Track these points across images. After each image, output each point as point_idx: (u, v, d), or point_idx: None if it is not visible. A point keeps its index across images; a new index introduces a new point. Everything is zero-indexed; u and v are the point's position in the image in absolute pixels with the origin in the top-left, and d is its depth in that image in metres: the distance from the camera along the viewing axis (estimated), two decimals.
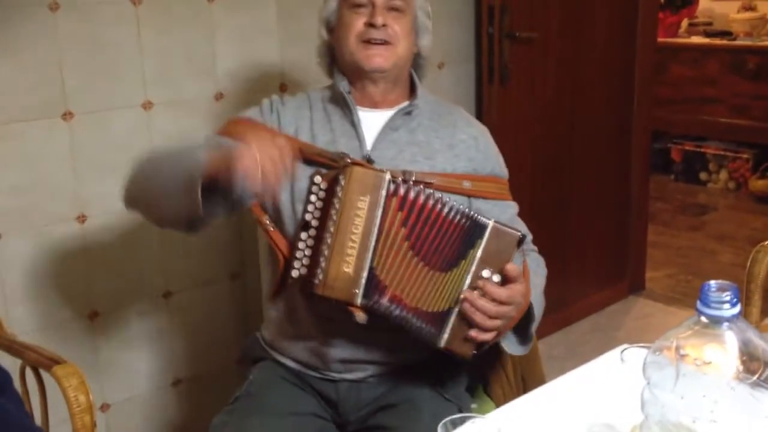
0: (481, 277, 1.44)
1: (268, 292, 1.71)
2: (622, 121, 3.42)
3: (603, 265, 3.51)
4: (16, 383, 1.65)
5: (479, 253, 1.45)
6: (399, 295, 1.47)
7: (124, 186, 1.59)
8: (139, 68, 2.13)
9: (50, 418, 1.68)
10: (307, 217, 1.51)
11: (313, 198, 1.51)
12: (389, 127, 1.64)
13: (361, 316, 1.47)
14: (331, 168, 1.54)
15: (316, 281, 1.46)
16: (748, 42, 5.03)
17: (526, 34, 2.86)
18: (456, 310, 1.45)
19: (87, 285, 2.14)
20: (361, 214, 1.45)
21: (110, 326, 2.20)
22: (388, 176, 1.47)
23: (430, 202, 1.47)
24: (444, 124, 1.69)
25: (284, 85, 2.39)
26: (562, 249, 3.26)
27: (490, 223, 1.46)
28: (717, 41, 5.17)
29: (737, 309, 0.86)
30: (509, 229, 1.47)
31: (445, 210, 1.47)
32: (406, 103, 1.68)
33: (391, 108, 1.67)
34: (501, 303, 1.43)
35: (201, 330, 2.33)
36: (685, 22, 5.50)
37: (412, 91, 1.71)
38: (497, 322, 1.44)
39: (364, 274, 1.46)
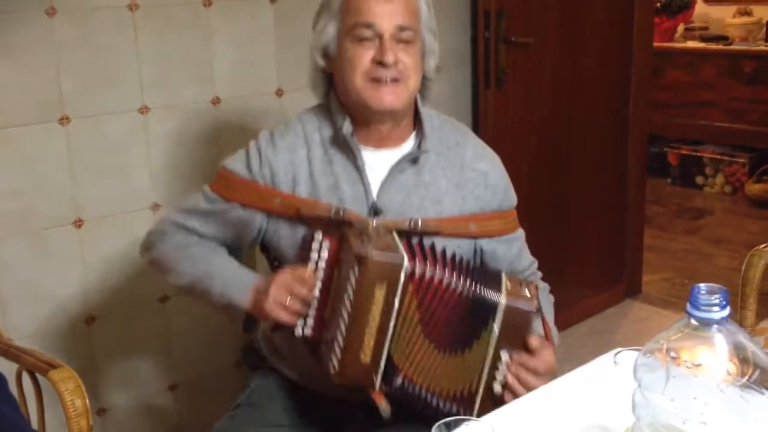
0: (500, 358, 1.43)
1: (265, 326, 1.65)
2: (618, 125, 3.43)
3: (600, 268, 3.51)
4: (13, 387, 1.65)
5: (495, 332, 1.42)
6: (419, 377, 1.44)
7: (151, 262, 1.66)
8: (136, 73, 2.13)
9: (47, 423, 1.68)
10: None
11: (314, 256, 1.46)
12: (396, 170, 1.56)
13: (385, 409, 1.43)
14: (333, 222, 1.49)
15: (332, 370, 1.41)
16: (744, 47, 5.04)
17: (523, 39, 2.87)
18: (481, 389, 1.44)
19: (84, 289, 2.14)
20: (378, 303, 1.38)
21: (107, 330, 2.20)
22: (405, 264, 1.39)
23: (444, 281, 1.41)
24: (452, 161, 1.60)
25: (281, 90, 2.40)
26: (559, 252, 3.27)
27: (502, 302, 1.41)
28: (713, 46, 5.19)
29: (726, 312, 0.87)
30: (521, 306, 1.42)
31: (461, 291, 1.42)
32: (411, 142, 1.60)
33: (397, 146, 1.58)
34: (538, 373, 1.44)
35: (198, 334, 2.34)
36: (681, 27, 5.51)
37: (415, 116, 1.62)
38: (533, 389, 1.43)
39: (383, 362, 1.41)
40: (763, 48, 4.98)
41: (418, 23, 1.54)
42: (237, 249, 1.65)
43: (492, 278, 1.48)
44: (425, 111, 1.62)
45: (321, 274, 1.45)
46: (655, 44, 4.13)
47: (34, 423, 1.69)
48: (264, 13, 2.34)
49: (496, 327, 1.42)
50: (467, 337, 1.43)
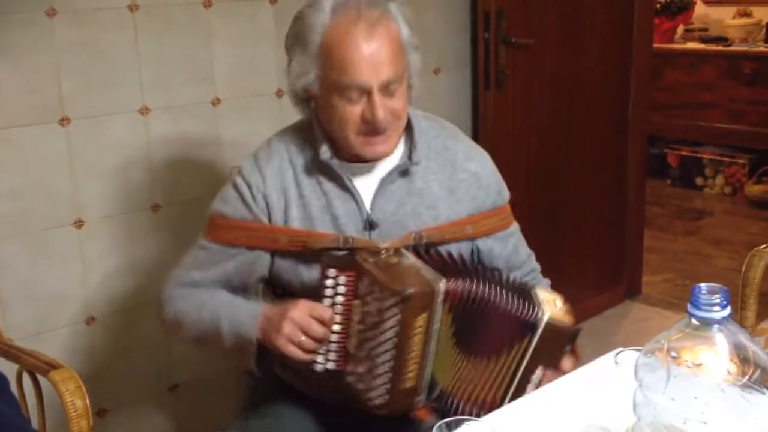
0: (533, 372, 1.42)
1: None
2: (618, 126, 3.43)
3: (599, 269, 3.51)
4: (13, 388, 1.65)
5: (532, 347, 1.41)
6: (453, 388, 1.44)
7: (166, 324, 1.63)
8: (136, 73, 2.13)
9: (47, 423, 1.69)
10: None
11: (329, 292, 1.44)
12: (387, 181, 1.54)
13: (430, 423, 1.40)
14: (340, 253, 1.47)
15: (378, 402, 1.40)
16: (743, 48, 5.04)
17: (522, 40, 2.87)
18: (508, 398, 1.42)
19: (84, 290, 2.14)
20: (420, 332, 1.38)
21: (107, 331, 2.20)
22: (442, 287, 1.39)
23: (475, 293, 1.42)
24: (442, 164, 1.58)
25: (281, 91, 2.40)
26: (559, 253, 3.27)
27: (544, 318, 1.41)
28: (713, 47, 5.19)
29: (727, 311, 0.87)
30: (562, 323, 1.43)
31: (495, 300, 1.42)
32: (401, 152, 1.56)
33: (386, 157, 1.55)
34: None
35: None
36: (680, 28, 5.51)
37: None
38: None
39: (425, 383, 1.42)
40: (762, 49, 4.99)
41: (403, 56, 1.47)
42: (245, 290, 1.60)
43: (523, 288, 1.48)
44: (414, 116, 1.58)
45: (339, 309, 1.43)
46: (655, 45, 4.14)
47: (35, 423, 1.69)
48: (264, 13, 2.34)
49: (533, 342, 1.41)
50: (503, 348, 1.42)
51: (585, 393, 1.31)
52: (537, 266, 1.74)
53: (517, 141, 3.01)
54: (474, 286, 1.42)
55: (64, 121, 2.04)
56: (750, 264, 2.18)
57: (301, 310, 1.41)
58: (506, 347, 1.42)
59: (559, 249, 3.27)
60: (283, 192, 1.54)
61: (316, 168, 1.54)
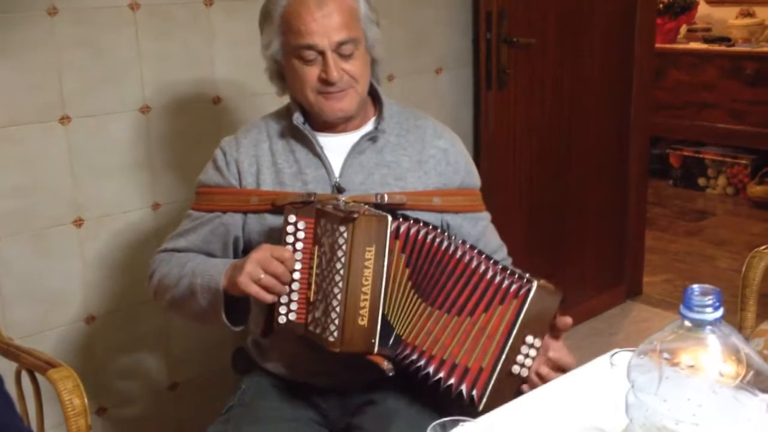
0: (525, 343, 1.44)
1: (256, 326, 1.67)
2: (620, 126, 3.43)
3: (601, 269, 3.51)
4: (12, 386, 1.67)
5: (523, 314, 1.43)
6: (415, 340, 1.45)
7: (152, 290, 1.68)
8: (137, 72, 2.14)
9: (45, 422, 1.69)
10: None
11: (290, 239, 1.48)
12: (356, 150, 1.62)
13: (387, 367, 1.44)
14: (303, 205, 1.51)
15: (332, 339, 1.42)
16: (746, 48, 5.04)
17: (524, 40, 2.87)
18: (498, 370, 1.43)
19: (84, 288, 2.15)
20: (369, 265, 1.42)
21: (107, 330, 2.20)
22: (390, 219, 1.43)
23: (430, 237, 1.46)
24: (412, 140, 1.66)
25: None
26: (560, 253, 3.27)
27: (535, 283, 1.44)
28: (715, 47, 5.18)
29: (720, 313, 0.87)
30: (553, 289, 1.46)
31: (452, 249, 1.46)
32: (371, 126, 1.66)
33: (357, 129, 1.65)
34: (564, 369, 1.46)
35: (198, 333, 2.34)
36: (683, 28, 5.51)
37: (374, 101, 1.68)
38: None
39: (378, 324, 1.43)
40: (765, 49, 4.97)
41: (358, 24, 1.57)
42: (225, 254, 1.67)
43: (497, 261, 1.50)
44: (385, 97, 1.67)
45: (299, 255, 1.47)
46: (658, 45, 4.14)
47: (33, 422, 1.70)
48: None
49: (524, 310, 1.43)
50: (471, 305, 1.45)
51: (581, 394, 1.31)
52: (508, 258, 1.75)
53: (519, 141, 3.01)
54: (429, 232, 1.46)
55: (64, 119, 2.04)
56: (750, 265, 2.18)
57: (262, 251, 1.46)
58: (482, 308, 1.45)
59: (560, 248, 3.27)
60: (255, 159, 1.64)
61: (290, 135, 1.64)
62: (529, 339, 1.44)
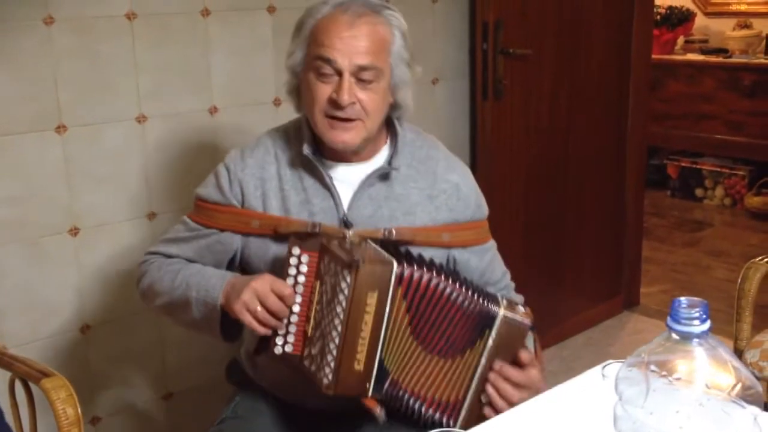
0: (493, 369, 1.44)
1: (248, 346, 1.67)
2: (617, 137, 3.43)
3: (598, 280, 3.51)
4: (6, 396, 1.66)
5: (490, 343, 1.43)
6: (406, 382, 1.45)
7: (142, 294, 1.66)
8: (133, 81, 2.14)
9: (39, 431, 1.69)
10: None
11: (292, 271, 1.45)
12: (366, 184, 1.57)
13: (380, 414, 1.43)
14: (308, 236, 1.49)
15: (326, 381, 1.40)
16: (743, 59, 5.05)
17: (521, 51, 2.87)
18: (468, 398, 1.44)
19: (79, 297, 2.15)
20: (370, 311, 1.38)
21: (102, 339, 2.20)
22: (395, 267, 1.39)
23: (433, 283, 1.42)
24: (423, 173, 1.61)
25: (278, 100, 2.41)
26: (557, 264, 3.27)
27: (500, 313, 1.43)
28: (713, 58, 5.20)
29: (707, 325, 0.87)
30: (519, 319, 1.44)
31: (452, 295, 1.43)
32: (383, 157, 1.60)
33: (369, 160, 1.59)
34: (520, 387, 1.44)
35: (193, 343, 2.34)
36: (681, 40, 5.52)
37: (387, 125, 1.61)
38: (514, 404, 1.43)
39: (375, 369, 1.42)
40: (762, 61, 4.99)
41: (387, 57, 1.51)
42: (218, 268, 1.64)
43: (487, 293, 1.49)
44: (399, 126, 1.62)
45: (300, 288, 1.45)
46: (655, 56, 4.15)
47: (26, 431, 1.69)
48: (262, 22, 2.35)
49: (492, 338, 1.43)
50: (462, 345, 1.44)
51: (571, 406, 1.30)
52: (511, 284, 1.74)
53: (516, 151, 3.02)
54: (433, 278, 1.43)
55: (60, 128, 2.04)
56: (745, 276, 2.19)
57: (262, 282, 1.44)
58: (468, 345, 1.44)
59: (557, 259, 3.27)
60: (261, 182, 1.58)
61: (300, 163, 1.58)
62: (497, 365, 1.44)
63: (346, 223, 1.55)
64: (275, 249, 1.56)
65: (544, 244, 3.17)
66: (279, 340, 1.46)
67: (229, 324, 1.52)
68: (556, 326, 3.26)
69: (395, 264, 1.39)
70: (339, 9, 1.49)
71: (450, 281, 1.44)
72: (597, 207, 3.41)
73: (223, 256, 1.62)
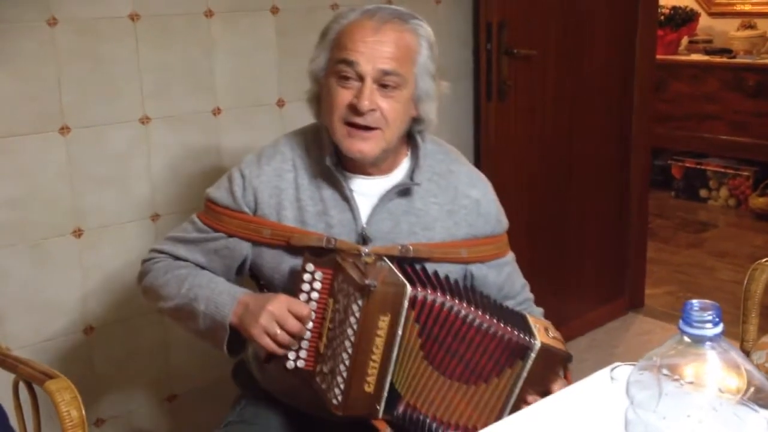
0: (526, 400, 1.42)
1: (257, 352, 1.62)
2: (621, 138, 3.42)
3: (602, 281, 3.50)
4: (10, 398, 1.66)
5: (524, 374, 1.40)
6: (425, 406, 1.43)
7: (144, 291, 1.64)
8: (136, 83, 2.14)
9: None
10: None
11: (305, 287, 1.43)
12: (386, 198, 1.54)
13: None
14: (322, 251, 1.47)
15: (335, 402, 1.40)
16: (748, 60, 5.04)
17: (525, 51, 2.87)
18: None
19: (83, 299, 2.14)
20: (382, 334, 1.37)
21: (106, 341, 2.20)
22: (408, 290, 1.37)
23: (446, 307, 1.40)
24: (444, 187, 1.58)
25: (282, 101, 2.40)
26: (561, 265, 3.26)
27: (537, 345, 1.40)
28: (717, 59, 5.18)
29: (719, 328, 0.86)
30: (557, 349, 1.42)
31: (468, 318, 1.40)
32: (404, 171, 1.56)
33: (389, 173, 1.56)
34: None
35: (196, 345, 2.31)
36: (685, 40, 5.51)
37: (410, 140, 1.58)
38: None
39: (385, 391, 1.41)
40: (766, 61, 4.98)
41: (411, 67, 1.47)
42: (228, 280, 1.60)
43: (515, 314, 1.47)
44: (420, 139, 1.58)
45: (314, 305, 1.43)
46: (659, 57, 4.13)
47: None
48: (265, 23, 2.35)
49: (526, 368, 1.41)
50: (487, 372, 1.41)
51: (580, 408, 1.29)
52: (531, 296, 1.72)
53: (520, 152, 3.01)
54: (447, 301, 1.40)
55: (64, 130, 2.04)
56: (752, 277, 2.17)
57: (279, 303, 1.41)
58: (495, 373, 1.41)
59: (561, 260, 3.26)
60: (277, 191, 1.55)
61: (319, 173, 1.55)
62: (531, 398, 1.42)
63: (364, 237, 1.52)
64: (290, 261, 1.53)
65: (548, 245, 3.16)
66: (291, 355, 1.44)
67: (234, 339, 1.49)
68: (560, 328, 3.18)
69: (409, 287, 1.38)
70: (366, 15, 1.47)
71: (465, 304, 1.41)
72: (601, 208, 3.40)
73: (231, 262, 1.59)
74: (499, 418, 1.41)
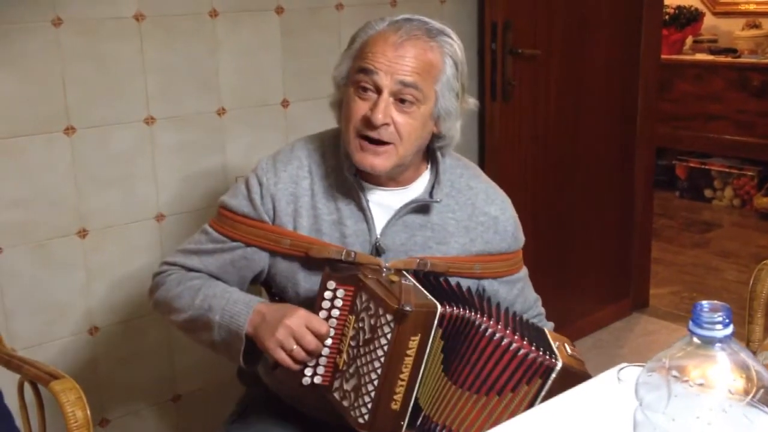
0: None
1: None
2: (625, 138, 3.42)
3: (606, 281, 3.50)
4: (15, 398, 1.66)
5: (543, 393, 1.41)
6: (440, 417, 1.43)
7: (155, 304, 1.61)
8: (141, 83, 2.13)
9: None
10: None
11: (326, 304, 1.41)
12: (403, 211, 1.53)
13: None
14: (341, 264, 1.46)
15: (362, 421, 1.38)
16: (752, 59, 5.04)
17: (529, 51, 2.86)
18: None
19: (87, 299, 2.14)
20: (411, 354, 1.36)
21: (110, 341, 2.20)
22: (439, 310, 1.37)
23: (470, 321, 1.40)
24: (462, 203, 1.57)
25: (286, 101, 2.40)
26: (566, 265, 3.26)
27: (560, 365, 1.40)
28: (721, 58, 5.18)
29: (730, 330, 0.86)
30: (577, 370, 1.42)
31: (487, 331, 1.40)
32: (423, 186, 1.55)
33: (407, 185, 1.54)
34: None
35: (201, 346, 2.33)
36: (689, 39, 5.51)
37: (430, 154, 1.56)
38: None
39: (410, 407, 1.40)
40: None
41: (433, 83, 1.44)
42: (241, 286, 1.59)
43: (535, 329, 1.47)
44: (441, 156, 1.57)
45: (333, 322, 1.41)
46: (664, 57, 4.13)
47: None
48: (270, 23, 2.34)
49: (546, 386, 1.41)
50: (500, 385, 1.42)
51: (587, 409, 1.29)
52: (542, 311, 1.72)
53: (524, 152, 3.01)
54: (473, 316, 1.41)
55: (69, 130, 2.04)
56: (757, 278, 2.16)
57: (298, 319, 1.39)
58: (510, 387, 1.41)
59: (565, 260, 3.26)
60: (294, 198, 1.53)
61: (335, 181, 1.53)
62: None
63: (378, 249, 1.52)
64: (305, 271, 1.52)
65: (552, 245, 3.16)
66: (308, 371, 1.43)
67: (249, 349, 1.47)
68: (564, 328, 3.22)
69: (439, 307, 1.37)
70: (392, 27, 1.44)
71: (486, 318, 1.42)
72: (605, 208, 3.39)
73: (247, 272, 1.56)
74: None
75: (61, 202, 2.06)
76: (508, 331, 1.42)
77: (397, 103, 1.42)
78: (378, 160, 1.44)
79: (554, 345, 1.44)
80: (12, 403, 1.65)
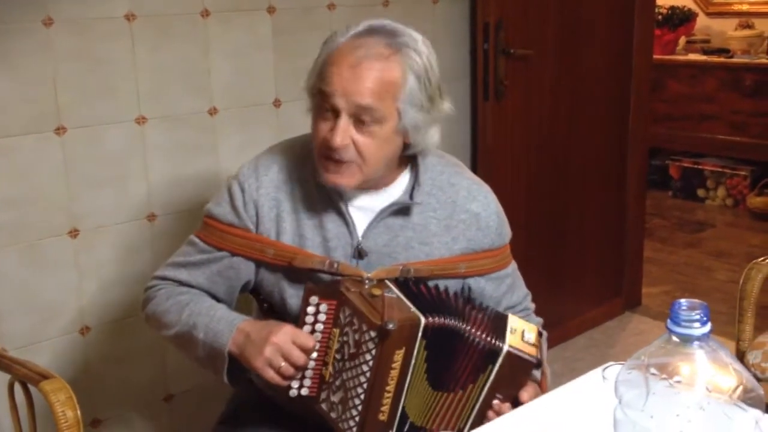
0: (491, 406, 1.43)
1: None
2: (618, 138, 3.42)
3: (599, 281, 3.50)
4: (5, 398, 1.66)
5: (491, 378, 1.41)
6: (420, 418, 1.44)
7: (147, 319, 1.62)
8: (133, 83, 2.14)
9: None
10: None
11: (309, 319, 1.42)
12: (384, 213, 1.53)
13: None
14: (324, 275, 1.47)
15: None
16: (745, 59, 5.04)
17: (522, 51, 2.87)
18: (468, 427, 1.44)
19: (79, 299, 2.14)
20: (397, 367, 1.37)
21: (102, 341, 2.20)
22: (423, 323, 1.37)
23: (451, 328, 1.40)
24: (443, 201, 1.55)
25: (278, 101, 2.40)
26: (558, 265, 3.26)
27: (504, 348, 1.40)
28: (714, 58, 5.19)
29: (707, 328, 0.87)
30: (524, 356, 1.41)
31: (465, 335, 1.41)
32: (403, 188, 1.54)
33: (386, 187, 1.54)
34: None
35: None
36: (682, 40, 5.51)
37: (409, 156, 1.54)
38: None
39: (397, 417, 1.41)
40: (764, 61, 4.99)
41: (393, 102, 1.41)
42: (230, 301, 1.60)
43: (498, 319, 1.47)
44: (421, 155, 1.55)
45: (318, 336, 1.42)
46: (657, 57, 4.14)
47: None
48: (262, 23, 2.35)
49: (494, 372, 1.41)
50: (464, 379, 1.43)
51: (572, 408, 1.30)
52: (531, 306, 1.71)
53: (517, 152, 3.01)
54: (451, 322, 1.41)
55: (60, 130, 2.04)
56: (747, 277, 2.18)
57: (284, 335, 1.39)
58: (471, 379, 1.42)
59: (559, 260, 3.26)
60: (276, 203, 1.53)
61: (314, 186, 1.52)
62: (497, 405, 1.43)
63: (360, 252, 1.52)
64: (289, 281, 1.53)
65: (546, 245, 3.17)
66: (295, 383, 1.44)
67: (233, 366, 1.47)
68: (557, 327, 3.25)
69: (422, 320, 1.38)
70: (352, 43, 1.41)
71: (464, 323, 1.42)
72: (598, 208, 3.40)
73: (235, 282, 1.57)
74: (466, 421, 1.43)
75: (52, 201, 2.06)
76: (474, 328, 1.42)
77: (357, 124, 1.41)
78: (342, 179, 1.45)
79: (508, 331, 1.43)
80: (2, 403, 1.66)
